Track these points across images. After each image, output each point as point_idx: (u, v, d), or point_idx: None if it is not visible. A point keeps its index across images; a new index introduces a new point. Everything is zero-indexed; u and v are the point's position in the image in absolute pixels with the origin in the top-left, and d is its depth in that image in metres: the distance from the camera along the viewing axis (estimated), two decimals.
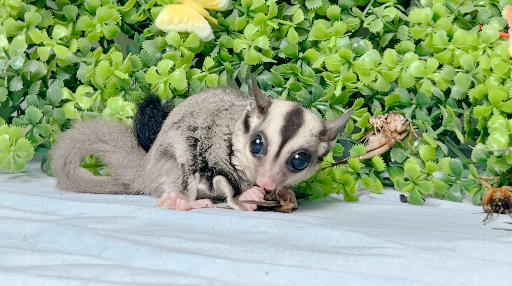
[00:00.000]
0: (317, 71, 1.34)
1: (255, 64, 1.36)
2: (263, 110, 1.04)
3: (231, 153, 1.08)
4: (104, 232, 0.90)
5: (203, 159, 1.11)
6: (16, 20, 1.32)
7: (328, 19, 1.37)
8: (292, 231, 0.96)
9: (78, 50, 1.35)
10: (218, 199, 1.12)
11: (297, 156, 1.02)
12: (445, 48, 1.29)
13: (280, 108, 1.04)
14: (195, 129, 1.12)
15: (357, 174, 1.25)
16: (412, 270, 0.81)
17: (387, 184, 1.30)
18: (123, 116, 1.28)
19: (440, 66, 1.29)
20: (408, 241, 0.92)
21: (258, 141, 1.02)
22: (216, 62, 1.35)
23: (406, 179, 1.21)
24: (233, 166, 1.09)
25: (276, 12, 1.35)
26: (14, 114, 1.41)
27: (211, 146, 1.10)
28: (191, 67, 1.36)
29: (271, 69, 1.35)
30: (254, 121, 1.05)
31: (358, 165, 1.24)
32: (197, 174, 1.11)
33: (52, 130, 1.30)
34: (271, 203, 1.07)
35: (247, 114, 1.06)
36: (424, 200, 1.20)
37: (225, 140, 1.09)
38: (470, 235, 0.96)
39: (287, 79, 1.34)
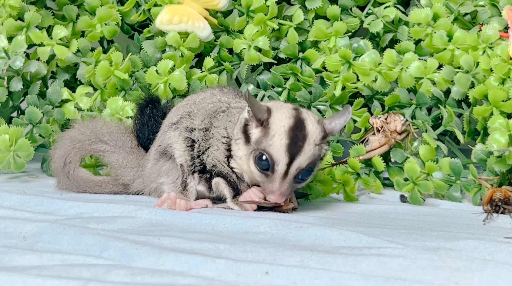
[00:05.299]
0: (317, 71, 1.34)
1: (255, 64, 1.36)
2: (262, 123, 1.03)
3: (229, 155, 1.08)
4: (104, 232, 0.91)
5: (201, 161, 1.10)
6: (16, 20, 1.32)
7: (328, 19, 1.37)
8: (292, 231, 0.96)
9: (78, 50, 1.35)
10: (218, 199, 1.12)
11: (304, 171, 1.03)
12: (445, 48, 1.29)
13: (281, 121, 1.02)
14: (192, 131, 1.11)
15: (357, 174, 1.25)
16: (412, 270, 0.81)
17: (387, 184, 1.30)
18: (123, 116, 1.28)
19: (440, 66, 1.29)
20: (408, 241, 0.92)
21: (264, 158, 1.02)
22: (216, 62, 1.35)
23: (406, 179, 1.21)
24: (231, 168, 1.08)
25: (276, 12, 1.35)
26: (14, 114, 1.41)
27: (208, 148, 1.10)
28: (191, 67, 1.36)
29: (271, 69, 1.35)
30: (255, 133, 1.04)
31: (358, 165, 1.24)
32: (196, 175, 1.11)
33: (52, 130, 1.30)
34: (271, 203, 1.07)
35: (245, 122, 1.05)
36: (424, 200, 1.20)
37: (223, 143, 1.08)
38: (470, 235, 0.96)
39: (287, 79, 1.34)
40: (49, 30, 1.36)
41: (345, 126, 1.31)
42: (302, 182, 1.04)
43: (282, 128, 1.02)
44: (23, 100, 1.37)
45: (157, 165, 1.13)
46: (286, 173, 1.02)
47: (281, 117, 1.03)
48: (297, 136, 1.02)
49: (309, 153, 1.02)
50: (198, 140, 1.11)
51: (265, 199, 1.06)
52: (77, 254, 0.84)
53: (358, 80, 1.31)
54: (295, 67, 1.33)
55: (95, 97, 1.34)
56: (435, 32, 1.30)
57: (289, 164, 1.01)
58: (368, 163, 1.28)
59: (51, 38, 1.34)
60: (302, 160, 1.02)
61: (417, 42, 1.35)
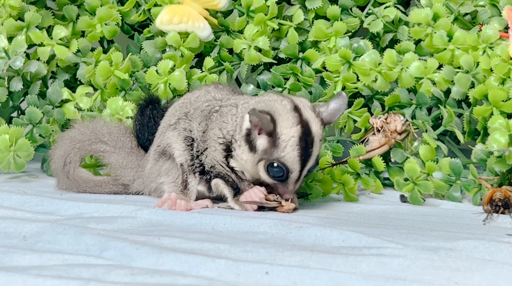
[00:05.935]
0: (317, 71, 1.34)
1: (255, 64, 1.36)
2: (271, 133, 1.03)
3: (227, 155, 1.08)
4: (104, 232, 0.91)
5: (200, 162, 1.10)
6: (16, 20, 1.32)
7: (328, 19, 1.37)
8: (292, 231, 0.96)
9: (78, 50, 1.35)
10: (219, 199, 1.12)
11: (313, 166, 1.06)
12: (445, 48, 1.29)
13: (288, 129, 1.03)
14: (192, 130, 1.11)
15: (357, 174, 1.25)
16: (412, 270, 0.81)
17: (387, 184, 1.30)
18: (123, 116, 1.28)
19: (440, 66, 1.29)
20: (408, 241, 0.92)
21: (276, 166, 1.03)
22: (216, 62, 1.35)
23: (406, 179, 1.21)
24: (230, 167, 1.08)
25: (276, 12, 1.35)
26: (14, 114, 1.41)
27: (206, 148, 1.10)
28: (191, 67, 1.36)
29: (271, 69, 1.35)
30: (262, 143, 1.04)
31: (358, 165, 1.24)
32: (197, 175, 1.11)
33: (52, 130, 1.30)
34: (272, 203, 1.07)
35: (247, 132, 1.05)
36: (424, 200, 1.20)
37: (220, 144, 1.08)
38: (470, 235, 0.96)
39: (287, 79, 1.34)
40: (49, 30, 1.36)
41: (345, 126, 1.31)
42: (310, 174, 1.08)
43: (292, 139, 1.03)
44: (23, 100, 1.37)
45: (157, 165, 1.13)
46: (299, 177, 1.04)
47: (288, 125, 1.03)
48: (307, 143, 1.03)
49: (316, 153, 1.05)
50: (197, 139, 1.11)
51: (266, 199, 1.07)
52: (77, 254, 0.84)
53: (358, 80, 1.31)
54: (295, 67, 1.33)
55: (95, 97, 1.34)
56: (435, 32, 1.30)
57: (302, 169, 1.04)
58: (368, 163, 1.27)
59: (51, 38, 1.34)
60: (312, 162, 1.05)
61: (417, 42, 1.35)
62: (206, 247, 0.87)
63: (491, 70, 1.25)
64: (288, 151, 1.03)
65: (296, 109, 1.05)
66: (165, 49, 1.33)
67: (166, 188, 1.12)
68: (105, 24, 1.35)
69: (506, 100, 1.22)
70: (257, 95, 1.34)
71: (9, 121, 1.37)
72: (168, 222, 1.01)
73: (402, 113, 1.28)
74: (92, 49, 1.36)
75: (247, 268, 0.80)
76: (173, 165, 1.12)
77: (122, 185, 1.19)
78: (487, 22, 1.31)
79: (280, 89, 1.34)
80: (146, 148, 1.19)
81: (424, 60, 1.30)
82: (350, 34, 1.36)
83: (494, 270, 0.81)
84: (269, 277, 0.79)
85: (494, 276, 0.80)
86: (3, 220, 0.96)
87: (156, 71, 1.31)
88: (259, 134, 1.04)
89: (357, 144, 1.28)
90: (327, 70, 1.31)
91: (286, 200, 1.07)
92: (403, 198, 1.23)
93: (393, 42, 1.37)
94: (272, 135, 1.03)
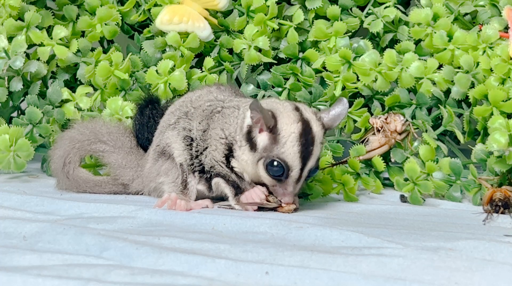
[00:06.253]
0: (317, 71, 1.34)
1: (255, 64, 1.36)
2: (271, 130, 1.03)
3: (228, 155, 1.08)
4: (104, 232, 0.91)
5: (200, 162, 1.10)
6: (16, 20, 1.32)
7: (328, 19, 1.37)
8: (292, 231, 0.96)
9: (78, 50, 1.35)
10: (219, 199, 1.12)
11: (313, 169, 1.05)
12: (445, 48, 1.29)
13: (289, 126, 1.03)
14: (191, 130, 1.11)
15: (357, 174, 1.25)
16: (412, 270, 0.81)
17: (387, 184, 1.30)
18: (122, 116, 1.28)
19: (440, 66, 1.29)
20: (408, 241, 0.92)
21: (276, 165, 1.03)
22: (216, 62, 1.35)
23: (406, 179, 1.21)
24: (231, 167, 1.08)
25: (276, 12, 1.35)
26: (14, 114, 1.41)
27: (206, 148, 1.10)
28: (191, 67, 1.36)
29: (271, 69, 1.35)
30: (263, 140, 1.04)
31: (358, 165, 1.24)
32: (196, 174, 1.11)
33: (52, 130, 1.30)
34: (273, 204, 1.07)
35: (249, 129, 1.05)
36: (424, 200, 1.20)
37: (222, 144, 1.08)
38: (470, 235, 0.96)
39: (287, 79, 1.34)
40: (49, 30, 1.36)
41: (345, 126, 1.32)
42: (309, 178, 1.07)
43: (293, 135, 1.03)
44: (23, 100, 1.37)
45: (156, 165, 1.13)
46: (299, 177, 1.04)
47: (288, 122, 1.03)
48: (307, 141, 1.03)
49: (317, 154, 1.05)
50: (196, 138, 1.11)
51: (267, 200, 1.07)
52: (77, 254, 0.84)
53: (358, 80, 1.31)
54: (295, 67, 1.33)
55: (95, 97, 1.34)
56: (435, 32, 1.30)
57: (302, 169, 1.03)
58: (368, 163, 1.27)
59: (51, 38, 1.34)
60: (312, 162, 1.04)
61: (417, 42, 1.35)
62: (206, 247, 0.87)
63: (491, 70, 1.25)
64: (288, 147, 1.02)
65: (297, 109, 1.05)
66: (165, 49, 1.33)
67: (166, 188, 1.12)
68: (105, 24, 1.35)
69: (506, 100, 1.22)
70: (257, 95, 1.35)
71: (9, 121, 1.37)
72: (168, 222, 1.01)
73: (402, 113, 1.28)
74: (92, 49, 1.36)
75: (247, 268, 0.80)
76: (172, 165, 1.12)
77: (122, 185, 1.19)
78: (487, 22, 1.31)
79: (280, 89, 1.34)
80: (145, 148, 1.19)
81: (424, 60, 1.30)
82: (350, 34, 1.36)
83: (494, 270, 0.81)
84: (269, 277, 0.79)
85: (494, 276, 0.80)
86: (3, 220, 0.96)
87: (156, 71, 1.31)
88: (259, 132, 1.04)
89: (357, 144, 1.28)
90: (327, 70, 1.31)
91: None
92: (403, 198, 1.23)
93: (393, 42, 1.37)
94: (273, 131, 1.03)
